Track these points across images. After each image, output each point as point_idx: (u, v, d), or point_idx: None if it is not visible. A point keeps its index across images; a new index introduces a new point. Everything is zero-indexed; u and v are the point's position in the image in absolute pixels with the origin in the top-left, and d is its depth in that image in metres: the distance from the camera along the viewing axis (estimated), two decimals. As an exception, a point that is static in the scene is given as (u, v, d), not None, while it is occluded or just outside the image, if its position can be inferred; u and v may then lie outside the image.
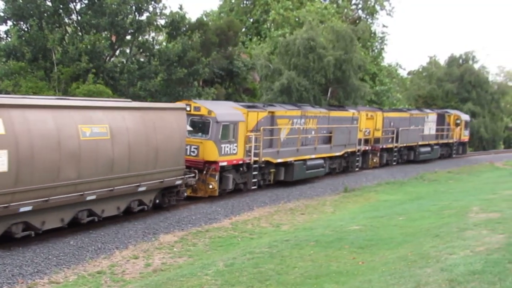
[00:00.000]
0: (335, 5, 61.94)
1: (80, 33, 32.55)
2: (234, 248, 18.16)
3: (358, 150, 36.45)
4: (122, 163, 18.93)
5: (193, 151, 24.32)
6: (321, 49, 45.69)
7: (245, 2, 66.31)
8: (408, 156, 43.81)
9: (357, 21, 62.76)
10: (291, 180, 29.70)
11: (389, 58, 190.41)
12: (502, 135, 75.85)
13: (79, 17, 32.57)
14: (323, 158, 32.52)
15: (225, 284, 12.88)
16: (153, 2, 33.94)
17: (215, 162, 24.22)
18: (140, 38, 34.91)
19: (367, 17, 67.61)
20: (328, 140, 33.18)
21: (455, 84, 69.64)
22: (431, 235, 15.57)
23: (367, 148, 38.13)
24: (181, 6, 36.39)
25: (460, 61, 74.11)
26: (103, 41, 30.93)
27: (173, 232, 20.19)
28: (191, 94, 35.49)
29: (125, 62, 33.88)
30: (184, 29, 36.44)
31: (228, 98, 43.73)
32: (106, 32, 32.61)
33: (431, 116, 46.40)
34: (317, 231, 19.10)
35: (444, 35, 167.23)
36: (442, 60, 79.33)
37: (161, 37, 44.62)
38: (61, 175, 16.75)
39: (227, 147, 24.83)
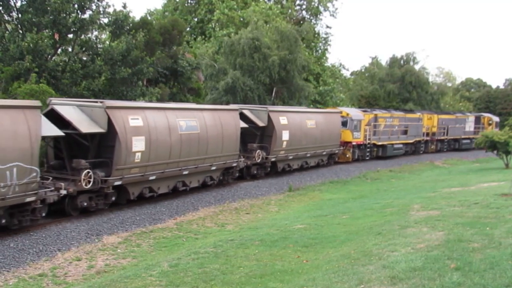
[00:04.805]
0: (279, 6, 62.30)
1: (21, 31, 31.71)
2: (179, 249, 18.06)
3: (422, 140, 54.95)
4: (319, 139, 37.88)
5: None
6: (266, 49, 45.94)
7: (189, 1, 66.10)
8: (454, 145, 61.39)
9: (301, 22, 63.27)
10: (385, 155, 47.46)
11: (332, 58, 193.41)
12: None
13: (19, 15, 31.72)
14: (402, 143, 50.41)
15: (170, 285, 12.80)
16: (96, 0, 33.33)
17: (350, 142, 43.17)
18: (82, 37, 34.20)
19: (311, 17, 68.28)
20: (405, 132, 51.12)
21: (396, 84, 71.12)
22: (373, 233, 15.80)
23: (428, 139, 56.07)
24: (124, 4, 35.61)
25: (401, 62, 75.64)
26: (46, 40, 30.20)
27: (116, 233, 19.94)
28: (135, 93, 35.02)
29: (67, 60, 33.11)
30: (128, 28, 35.89)
31: (172, 97, 43.39)
32: (47, 30, 31.85)
33: (471, 118, 64.03)
34: (262, 230, 19.17)
35: (386, 36, 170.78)
36: (384, 61, 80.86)
37: (104, 36, 43.89)
38: (302, 143, 35.87)
39: (356, 134, 43.35)
